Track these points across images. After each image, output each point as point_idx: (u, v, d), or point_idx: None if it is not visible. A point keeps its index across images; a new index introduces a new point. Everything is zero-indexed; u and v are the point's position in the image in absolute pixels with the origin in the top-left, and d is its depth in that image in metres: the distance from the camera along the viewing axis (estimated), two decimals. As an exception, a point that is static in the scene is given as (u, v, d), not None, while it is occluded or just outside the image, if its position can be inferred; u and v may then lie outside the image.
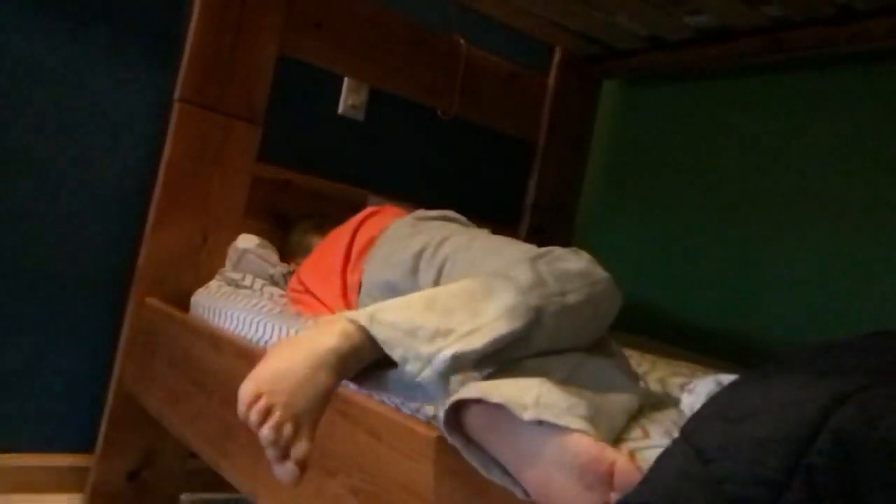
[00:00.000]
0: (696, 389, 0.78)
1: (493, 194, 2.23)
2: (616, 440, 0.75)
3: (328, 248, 1.41)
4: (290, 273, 1.58)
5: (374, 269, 1.21)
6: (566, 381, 0.78)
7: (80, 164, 1.60)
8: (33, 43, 1.53)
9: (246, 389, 0.74)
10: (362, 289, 1.24)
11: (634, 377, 0.90)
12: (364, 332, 0.78)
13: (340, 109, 1.91)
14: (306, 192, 1.81)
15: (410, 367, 0.76)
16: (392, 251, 1.17)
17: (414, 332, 0.77)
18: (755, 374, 0.59)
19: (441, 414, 0.76)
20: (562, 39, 2.17)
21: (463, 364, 0.77)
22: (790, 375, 0.55)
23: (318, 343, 0.77)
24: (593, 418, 0.72)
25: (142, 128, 1.65)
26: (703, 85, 2.09)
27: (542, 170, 2.24)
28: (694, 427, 0.55)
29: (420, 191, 2.05)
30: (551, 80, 2.24)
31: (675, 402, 0.91)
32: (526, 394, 0.73)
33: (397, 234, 1.23)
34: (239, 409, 0.74)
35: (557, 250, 0.92)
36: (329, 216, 1.66)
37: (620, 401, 0.79)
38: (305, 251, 1.59)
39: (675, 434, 0.72)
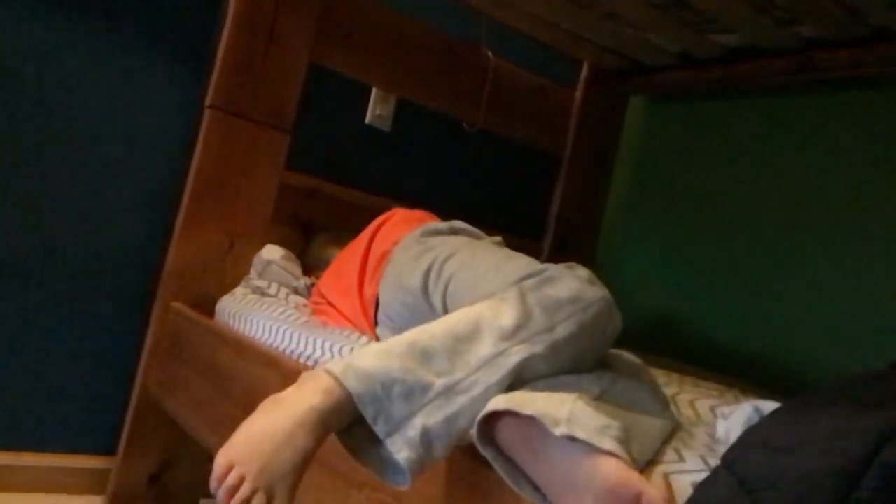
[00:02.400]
0: (733, 416, 0.77)
1: (517, 207, 2.22)
2: (649, 462, 0.74)
3: (345, 261, 1.41)
4: (313, 285, 1.58)
5: (389, 291, 1.21)
6: (599, 399, 0.77)
7: (111, 169, 1.61)
8: (64, 49, 1.55)
9: (218, 461, 0.74)
10: (380, 309, 1.24)
11: (666, 404, 0.89)
12: (344, 385, 0.76)
13: (368, 119, 1.91)
14: (332, 200, 1.82)
15: (380, 428, 0.76)
16: (402, 273, 1.17)
17: (390, 386, 0.76)
18: (799, 403, 0.58)
19: (474, 425, 0.76)
20: (590, 54, 2.17)
21: (435, 435, 0.76)
22: (836, 406, 0.54)
23: (298, 403, 0.76)
24: (625, 441, 0.71)
25: (172, 134, 1.67)
26: (731, 104, 2.08)
27: (567, 183, 2.24)
28: (737, 456, 0.54)
29: (445, 202, 2.05)
30: (578, 94, 2.24)
31: (706, 426, 0.91)
32: (559, 409, 0.72)
33: (407, 254, 1.22)
34: (210, 484, 0.73)
35: (551, 270, 0.90)
36: (348, 227, 1.66)
37: (654, 426, 0.78)
38: (325, 264, 1.59)
39: (710, 459, 0.72)
